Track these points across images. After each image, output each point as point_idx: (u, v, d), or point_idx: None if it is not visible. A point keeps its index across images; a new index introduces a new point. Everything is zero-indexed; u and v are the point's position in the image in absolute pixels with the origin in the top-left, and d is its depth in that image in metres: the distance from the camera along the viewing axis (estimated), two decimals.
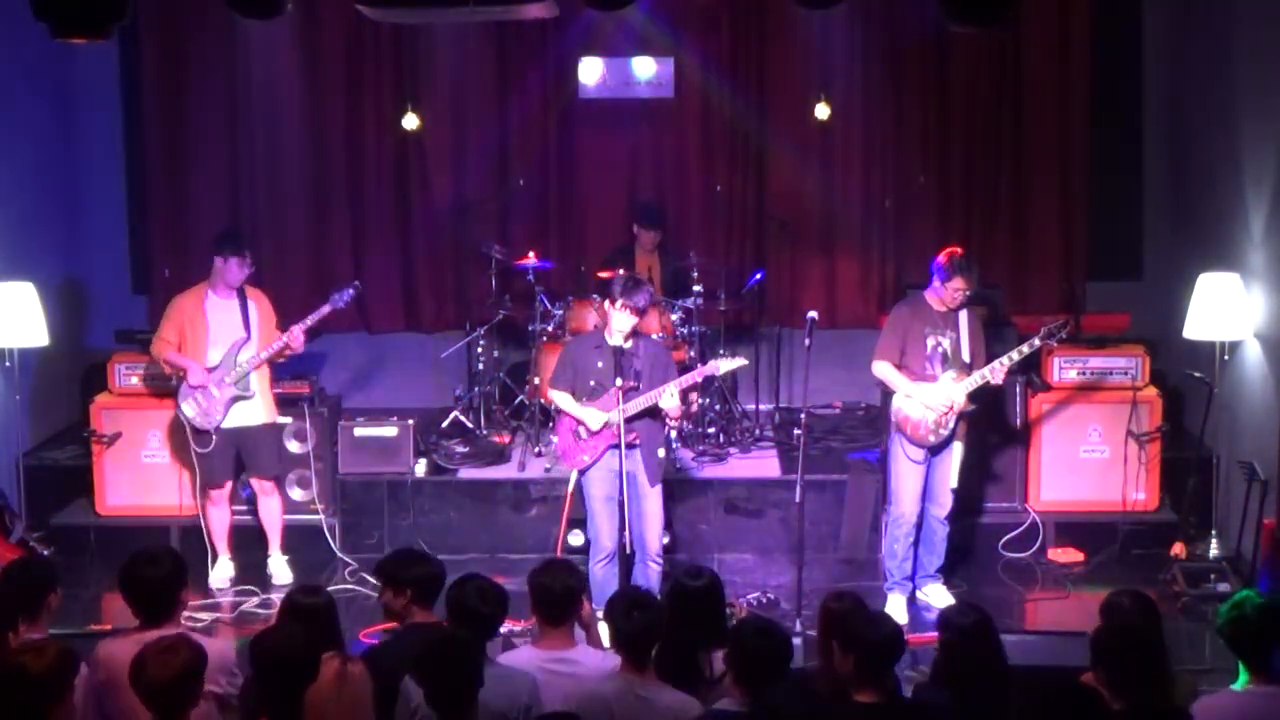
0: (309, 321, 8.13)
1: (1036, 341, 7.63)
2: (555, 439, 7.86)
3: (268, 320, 8.22)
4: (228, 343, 8.07)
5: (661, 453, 7.46)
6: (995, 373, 7.56)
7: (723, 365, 7.57)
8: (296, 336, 8.08)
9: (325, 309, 8.20)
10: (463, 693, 4.65)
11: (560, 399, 7.45)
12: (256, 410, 8.18)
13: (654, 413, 7.33)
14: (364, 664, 5.14)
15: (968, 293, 7.53)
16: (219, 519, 8.30)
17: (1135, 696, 4.77)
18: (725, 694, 4.92)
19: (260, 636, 4.83)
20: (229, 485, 8.29)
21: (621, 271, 8.32)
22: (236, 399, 8.08)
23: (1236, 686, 4.99)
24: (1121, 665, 4.82)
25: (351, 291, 8.30)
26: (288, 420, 8.62)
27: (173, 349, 8.07)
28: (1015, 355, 7.58)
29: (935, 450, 7.68)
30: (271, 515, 8.39)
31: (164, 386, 8.55)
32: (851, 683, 4.85)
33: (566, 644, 5.33)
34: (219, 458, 8.13)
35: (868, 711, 4.80)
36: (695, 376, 7.54)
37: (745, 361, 7.82)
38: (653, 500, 7.38)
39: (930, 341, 7.59)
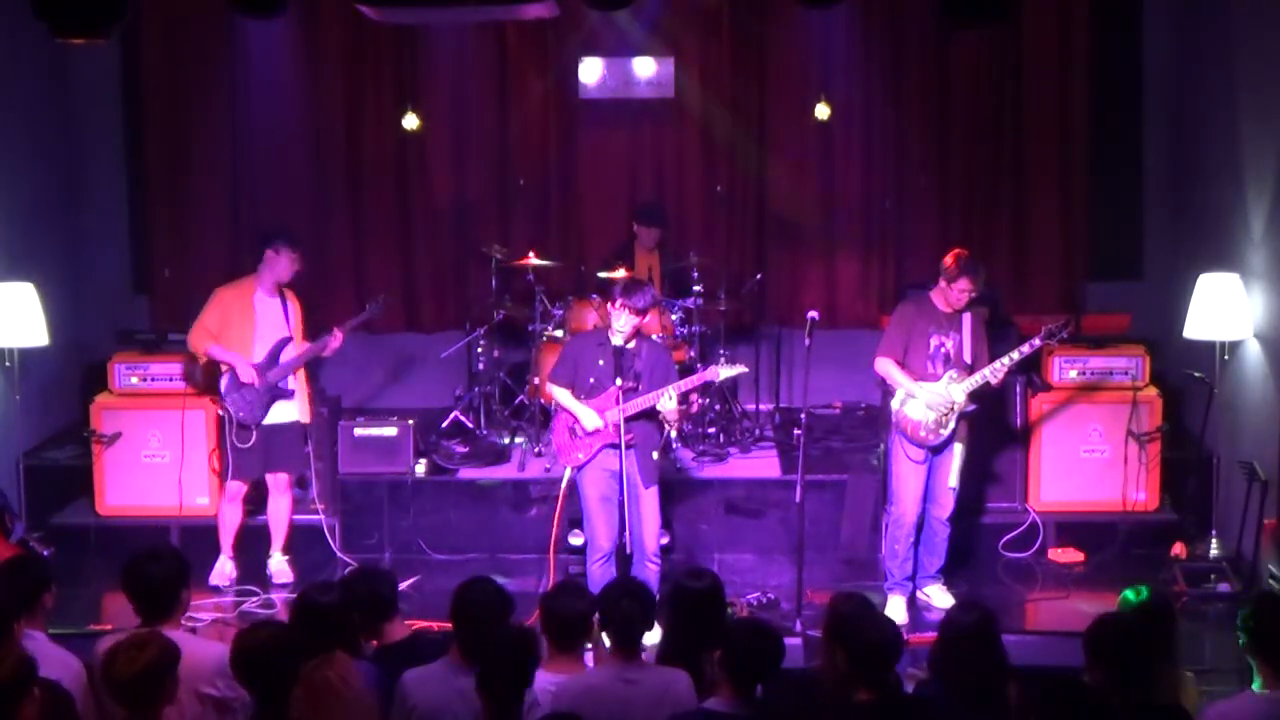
0: (352, 324, 8.35)
1: (1037, 341, 7.63)
2: (551, 435, 7.86)
3: (300, 320, 8.30)
4: (270, 340, 8.13)
5: (656, 455, 7.46)
6: (995, 373, 7.56)
7: (722, 372, 7.57)
8: (338, 337, 8.21)
9: (364, 315, 8.47)
10: (515, 688, 4.69)
11: (559, 394, 7.46)
12: (292, 408, 8.23)
13: (651, 415, 7.34)
14: (368, 664, 5.14)
15: (973, 294, 7.54)
16: (231, 517, 8.32)
17: (1134, 693, 4.76)
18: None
19: (240, 634, 4.80)
20: (249, 485, 8.31)
21: (624, 272, 8.33)
22: (278, 397, 8.13)
23: (1254, 689, 4.94)
24: (1121, 662, 4.81)
25: (382, 299, 8.62)
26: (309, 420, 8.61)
27: (212, 340, 8.10)
28: (1016, 355, 7.58)
29: (936, 450, 7.68)
30: (280, 514, 8.40)
31: (201, 382, 8.59)
32: (849, 681, 4.86)
33: (574, 668, 5.31)
34: (255, 454, 8.16)
35: (866, 710, 4.81)
36: (694, 381, 7.54)
37: (745, 369, 7.82)
38: (648, 501, 7.38)
39: (933, 341, 7.59)
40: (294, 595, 7.97)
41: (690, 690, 5.01)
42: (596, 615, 5.30)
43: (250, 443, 8.12)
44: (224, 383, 8.12)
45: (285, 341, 8.16)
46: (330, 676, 4.92)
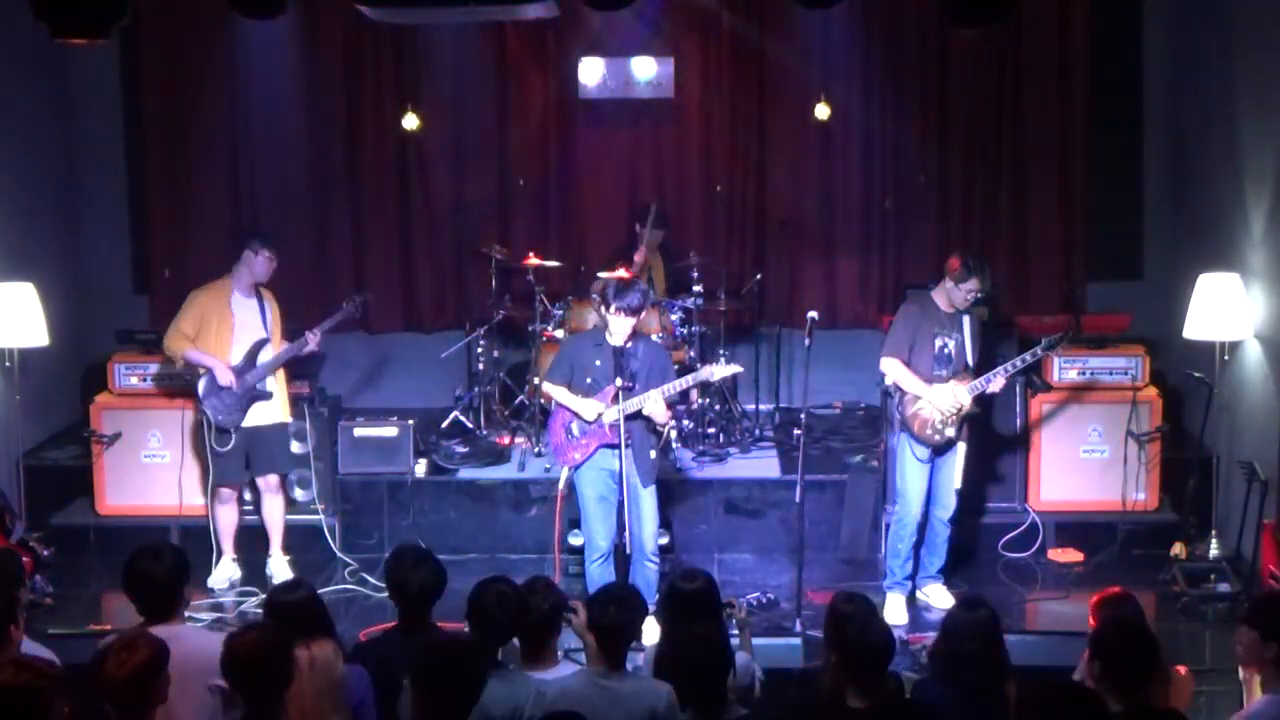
0: (327, 325, 8.27)
1: (1040, 351, 7.65)
2: (549, 435, 7.84)
3: (278, 321, 8.27)
4: (249, 342, 8.11)
5: (654, 454, 7.44)
6: (995, 381, 7.58)
7: (717, 371, 7.54)
8: (317, 338, 8.17)
9: (339, 314, 8.35)
10: (456, 704, 4.56)
11: (555, 391, 7.45)
12: (272, 410, 8.22)
13: (645, 416, 7.32)
14: (330, 644, 5.10)
15: (979, 295, 7.55)
16: (227, 518, 8.32)
17: (1134, 696, 4.76)
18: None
19: (228, 642, 4.71)
20: (240, 485, 8.31)
21: (623, 272, 8.31)
22: (256, 399, 8.11)
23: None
24: (1123, 664, 4.80)
25: (359, 299, 8.55)
26: (290, 420, 8.62)
27: (189, 344, 8.06)
28: (1018, 363, 7.61)
29: (939, 450, 7.69)
30: (275, 515, 8.40)
31: (174, 385, 8.59)
32: (844, 685, 4.86)
33: (548, 664, 5.30)
34: (235, 456, 8.15)
35: (861, 718, 4.79)
36: (686, 382, 7.49)
37: (740, 368, 7.79)
38: (647, 501, 7.37)
39: (938, 342, 7.60)
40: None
41: (671, 705, 4.99)
42: (583, 613, 5.29)
43: (229, 446, 8.09)
44: (202, 386, 8.05)
45: (263, 343, 8.13)
46: (301, 656, 4.89)
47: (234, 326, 8.11)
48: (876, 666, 4.87)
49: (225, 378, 8.02)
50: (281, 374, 8.29)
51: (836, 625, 5.16)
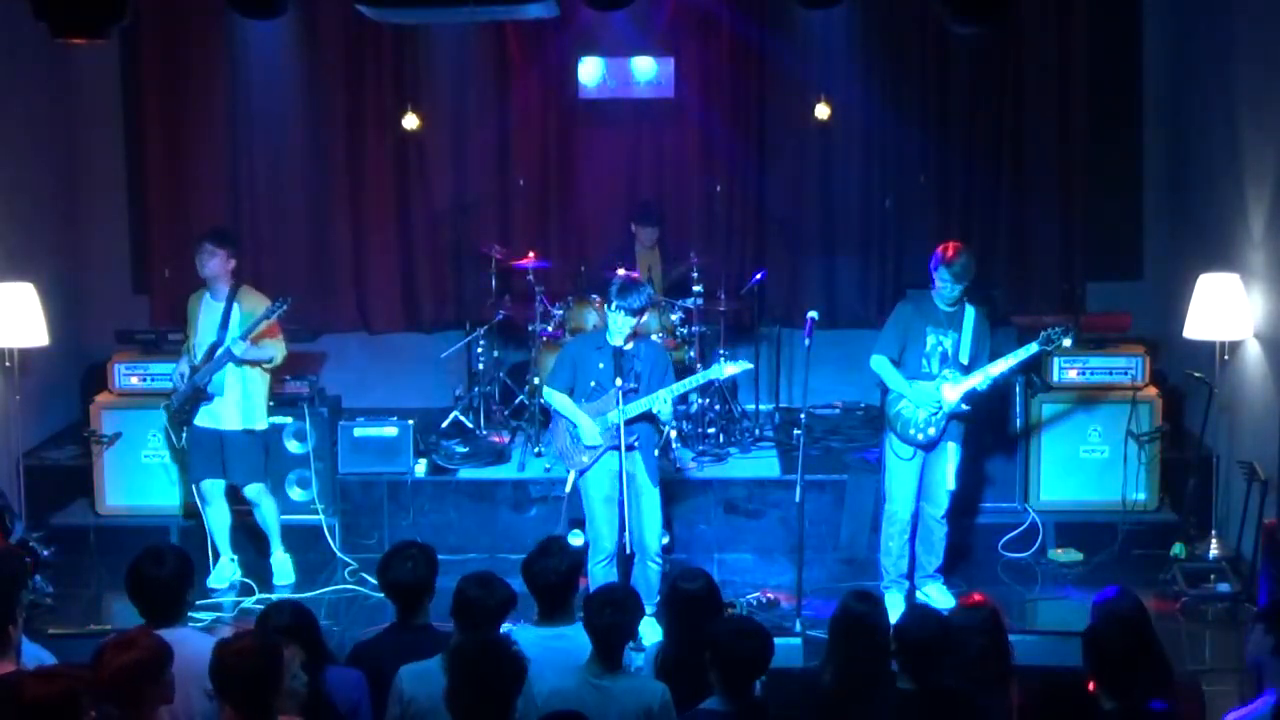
0: (251, 333, 7.93)
1: (1034, 347, 7.61)
2: (552, 437, 7.83)
3: (242, 321, 7.99)
4: (207, 343, 8.06)
5: (656, 452, 7.46)
6: (981, 379, 7.55)
7: (726, 369, 7.55)
8: (242, 346, 7.90)
9: (262, 315, 7.89)
10: (496, 702, 4.54)
11: (557, 400, 7.44)
12: (230, 414, 8.09)
13: (651, 416, 7.32)
14: (292, 649, 5.05)
15: (955, 286, 7.49)
16: (217, 518, 8.28)
17: (1132, 695, 4.75)
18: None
19: (216, 650, 4.60)
20: (212, 483, 8.22)
21: (621, 272, 8.30)
22: (201, 400, 8.05)
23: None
24: (1122, 663, 4.79)
25: (283, 304, 7.89)
26: (286, 420, 8.59)
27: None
28: (1001, 365, 7.56)
29: (928, 449, 7.68)
30: (268, 519, 8.36)
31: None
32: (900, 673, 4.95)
33: (567, 621, 5.43)
34: (194, 454, 8.15)
35: (906, 697, 4.90)
36: (697, 381, 7.47)
37: (749, 365, 7.78)
38: (651, 501, 7.38)
39: (930, 340, 7.59)
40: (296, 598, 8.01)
41: (666, 705, 5.00)
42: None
43: (180, 443, 8.17)
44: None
45: (216, 345, 8.00)
46: None
47: (197, 329, 8.11)
48: (936, 654, 4.94)
49: (174, 377, 8.19)
50: (250, 377, 8.09)
51: (855, 622, 5.16)
